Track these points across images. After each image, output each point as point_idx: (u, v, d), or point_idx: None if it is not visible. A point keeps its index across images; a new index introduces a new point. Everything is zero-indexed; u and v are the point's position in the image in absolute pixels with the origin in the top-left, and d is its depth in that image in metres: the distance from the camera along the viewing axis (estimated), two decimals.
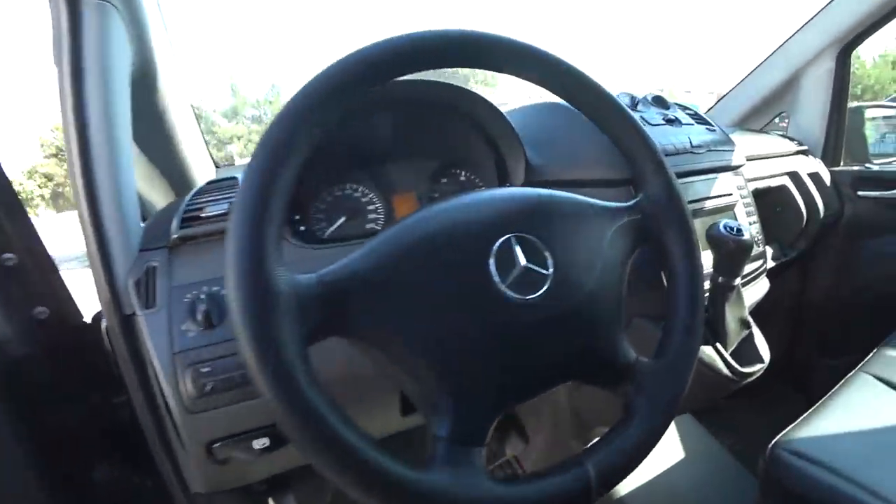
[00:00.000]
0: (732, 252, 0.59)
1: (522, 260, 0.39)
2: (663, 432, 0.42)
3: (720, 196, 0.79)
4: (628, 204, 0.49)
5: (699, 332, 0.47)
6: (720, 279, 0.63)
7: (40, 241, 0.57)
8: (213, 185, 0.68)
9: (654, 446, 0.42)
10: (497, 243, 0.39)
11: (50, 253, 0.60)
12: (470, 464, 0.34)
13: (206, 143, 0.92)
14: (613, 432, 0.41)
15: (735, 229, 0.58)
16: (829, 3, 1.13)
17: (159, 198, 0.79)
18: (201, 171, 0.86)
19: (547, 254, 0.41)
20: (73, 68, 0.51)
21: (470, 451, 0.35)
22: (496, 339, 0.38)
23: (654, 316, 0.66)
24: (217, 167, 0.95)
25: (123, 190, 0.56)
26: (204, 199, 0.62)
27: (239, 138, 23.46)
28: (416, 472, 0.32)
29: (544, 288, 0.39)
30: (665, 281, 0.50)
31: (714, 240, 0.60)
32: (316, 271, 0.35)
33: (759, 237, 0.87)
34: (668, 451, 1.05)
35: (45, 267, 0.58)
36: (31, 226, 0.56)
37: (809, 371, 1.31)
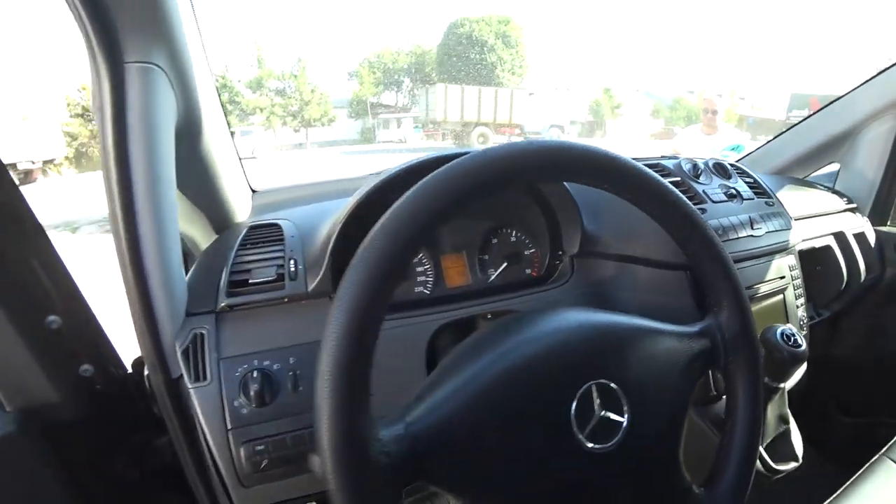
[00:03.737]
0: (786, 361, 0.57)
1: (601, 410, 0.39)
2: None
3: (773, 279, 0.77)
4: (698, 329, 0.47)
5: (753, 467, 0.46)
6: (766, 379, 0.62)
7: (83, 300, 0.57)
8: (255, 235, 0.67)
9: None
10: (578, 392, 0.39)
11: (92, 311, 0.59)
12: None
13: (240, 160, 0.91)
14: None
15: (793, 340, 0.57)
16: None
17: (198, 234, 0.79)
18: (238, 197, 0.85)
19: (623, 401, 0.40)
20: (116, 135, 0.51)
21: None
22: (569, 490, 0.38)
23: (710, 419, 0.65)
24: (253, 192, 0.94)
25: (169, 250, 0.55)
26: (249, 258, 0.62)
27: (262, 110, 23.35)
28: None
29: (618, 436, 0.39)
30: (724, 412, 0.49)
31: (769, 345, 0.58)
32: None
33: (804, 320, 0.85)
34: None
35: (89, 325, 0.58)
36: (74, 285, 0.56)
37: (826, 429, 1.29)
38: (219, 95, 0.74)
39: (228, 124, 0.80)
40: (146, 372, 0.58)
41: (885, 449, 0.87)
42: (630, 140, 20.00)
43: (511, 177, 0.38)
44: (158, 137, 0.54)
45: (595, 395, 0.39)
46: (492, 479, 0.36)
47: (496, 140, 18.38)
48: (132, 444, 0.65)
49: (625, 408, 0.40)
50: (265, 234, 0.68)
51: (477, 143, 17.65)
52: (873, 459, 0.85)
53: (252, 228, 0.70)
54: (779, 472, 0.66)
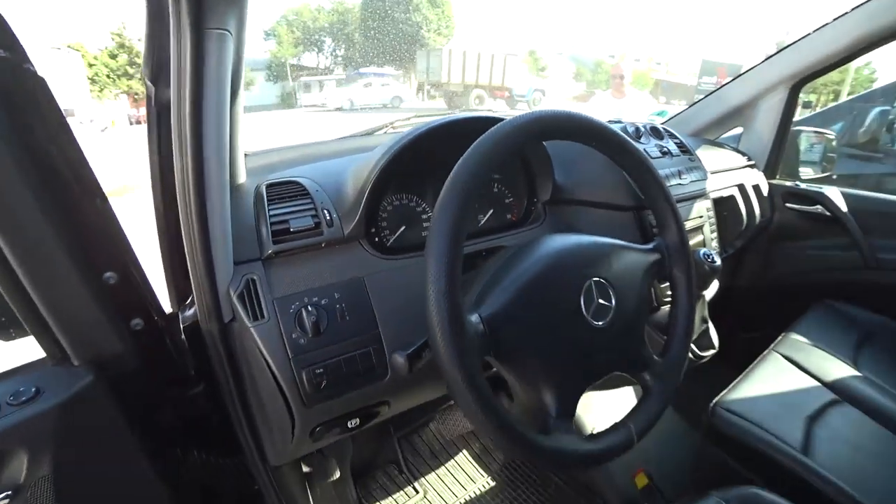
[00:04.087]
0: (707, 274, 0.79)
1: (598, 298, 0.57)
2: (671, 403, 0.62)
3: (696, 218, 1.00)
4: (651, 246, 0.67)
5: (691, 340, 0.67)
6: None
7: (135, 256, 0.61)
8: (278, 191, 0.72)
9: (664, 411, 0.62)
10: (584, 287, 0.57)
11: (142, 267, 0.63)
12: (569, 429, 0.53)
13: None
14: (641, 405, 0.61)
15: (711, 258, 0.78)
16: (789, 45, 1.34)
17: None
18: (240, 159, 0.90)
19: (611, 291, 0.59)
20: (194, 96, 0.53)
21: (569, 421, 0.53)
22: (581, 350, 0.56)
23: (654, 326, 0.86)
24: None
25: (225, 206, 0.60)
26: (283, 211, 0.69)
27: None
28: (542, 437, 0.50)
29: (609, 316, 0.58)
30: (671, 302, 0.69)
31: (695, 262, 0.79)
32: (394, 279, 0.62)
33: (716, 245, 1.10)
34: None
35: (139, 280, 0.61)
36: (129, 245, 0.60)
37: (730, 345, 1.63)
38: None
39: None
40: (180, 322, 0.63)
41: (772, 345, 1.17)
42: (553, 102, 20.81)
43: (547, 134, 0.55)
44: (226, 99, 0.57)
45: (594, 288, 0.58)
46: (532, 346, 0.54)
47: (490, 102, 19.07)
48: (171, 396, 0.70)
49: (612, 298, 0.59)
50: (288, 190, 0.73)
51: (474, 103, 18.13)
52: (764, 352, 1.14)
53: (271, 186, 0.74)
54: (703, 357, 0.90)
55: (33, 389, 0.52)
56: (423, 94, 22.44)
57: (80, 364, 0.56)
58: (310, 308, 0.62)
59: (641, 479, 1.08)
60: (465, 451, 1.25)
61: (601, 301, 0.58)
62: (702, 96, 1.65)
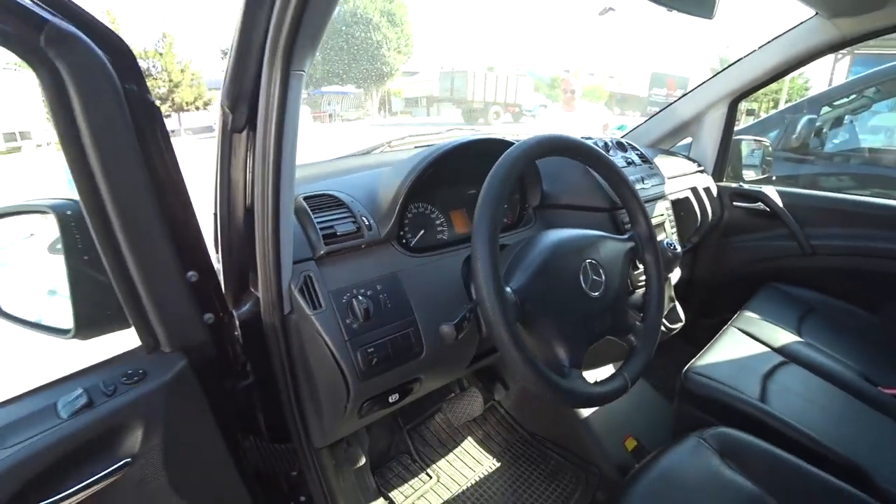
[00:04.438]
0: (670, 259, 0.96)
1: (592, 274, 0.73)
2: (651, 359, 0.78)
3: (658, 216, 1.18)
4: (627, 236, 0.84)
5: (664, 308, 0.84)
6: None
7: (209, 258, 0.69)
8: (314, 202, 0.82)
9: (647, 364, 0.77)
10: (581, 266, 0.73)
11: (214, 266, 0.70)
12: (580, 376, 0.68)
13: None
14: (629, 360, 0.76)
15: (673, 246, 0.95)
16: (727, 67, 1.58)
17: None
18: None
19: (601, 270, 0.75)
20: (279, 125, 0.61)
21: (578, 371, 0.68)
22: (583, 315, 0.72)
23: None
24: None
25: (293, 215, 0.71)
26: (326, 219, 0.79)
27: None
28: (563, 380, 0.65)
29: (601, 289, 0.74)
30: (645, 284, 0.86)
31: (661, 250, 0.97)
32: (422, 273, 0.78)
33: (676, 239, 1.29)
34: None
35: (214, 280, 0.69)
36: (206, 246, 0.68)
37: (694, 327, 1.83)
38: None
39: None
40: (236, 319, 0.73)
41: (729, 321, 1.36)
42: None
43: (548, 151, 0.72)
44: (297, 127, 0.65)
45: (588, 268, 0.74)
46: (548, 312, 0.69)
47: (506, 116, 22.58)
48: (225, 388, 0.77)
49: (602, 275, 0.75)
50: (325, 202, 0.83)
51: (492, 118, 22.00)
52: (724, 328, 1.33)
53: (308, 198, 0.82)
54: (672, 329, 1.07)
55: (141, 371, 0.61)
56: (385, 110, 23.27)
57: (171, 351, 0.65)
58: (360, 298, 0.74)
59: (631, 443, 1.24)
60: (469, 437, 1.38)
61: (595, 277, 0.74)
62: (654, 107, 1.88)
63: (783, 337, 1.29)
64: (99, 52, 0.51)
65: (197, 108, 22.53)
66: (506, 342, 0.60)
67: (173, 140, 0.61)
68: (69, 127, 0.51)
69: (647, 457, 0.92)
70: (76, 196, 0.58)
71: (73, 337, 0.65)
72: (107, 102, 0.51)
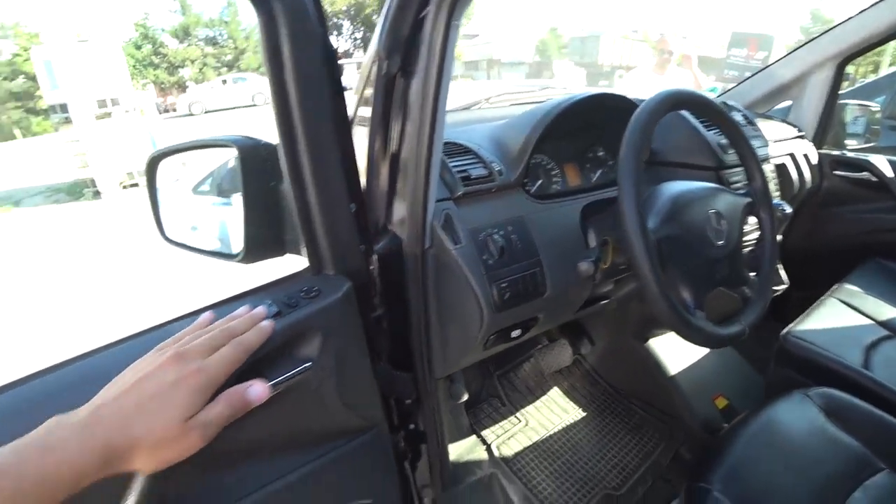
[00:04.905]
0: (780, 219, 0.95)
1: (716, 223, 0.76)
2: (765, 311, 0.80)
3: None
4: (744, 192, 0.86)
5: (776, 263, 0.85)
6: None
7: (363, 195, 0.76)
8: (447, 149, 0.88)
9: (761, 316, 0.79)
10: (707, 214, 0.76)
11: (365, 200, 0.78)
12: (703, 316, 0.72)
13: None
14: (745, 310, 0.79)
15: (782, 207, 0.95)
16: (837, 24, 1.48)
17: None
18: None
19: (723, 221, 0.77)
20: (439, 72, 0.66)
21: (702, 313, 0.72)
22: (707, 260, 0.75)
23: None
24: None
25: (441, 154, 0.76)
26: (459, 163, 0.85)
27: (193, 62, 21.61)
28: (693, 318, 0.69)
29: (724, 238, 0.77)
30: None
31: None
32: (545, 218, 0.81)
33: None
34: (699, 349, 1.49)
35: (365, 214, 0.76)
36: (359, 178, 0.74)
37: (784, 301, 1.79)
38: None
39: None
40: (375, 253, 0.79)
41: (828, 292, 1.33)
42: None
43: (678, 105, 0.75)
44: (451, 76, 0.69)
45: (712, 217, 0.77)
46: (677, 255, 0.73)
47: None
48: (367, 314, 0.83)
49: (724, 225, 0.78)
50: (453, 149, 0.89)
51: (617, 78, 23.01)
52: (822, 298, 1.30)
53: (446, 143, 0.87)
54: (775, 291, 1.07)
55: (316, 289, 0.69)
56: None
57: (335, 274, 0.72)
58: (495, 237, 0.80)
59: (721, 401, 1.26)
60: (556, 387, 1.45)
61: (717, 227, 0.77)
62: (733, 70, 1.81)
63: (889, 312, 1.25)
64: None
65: (262, 74, 22.82)
66: (648, 277, 0.65)
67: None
68: (277, 66, 0.59)
69: (742, 413, 0.94)
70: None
71: (241, 261, 0.76)
72: (309, 44, 0.59)
